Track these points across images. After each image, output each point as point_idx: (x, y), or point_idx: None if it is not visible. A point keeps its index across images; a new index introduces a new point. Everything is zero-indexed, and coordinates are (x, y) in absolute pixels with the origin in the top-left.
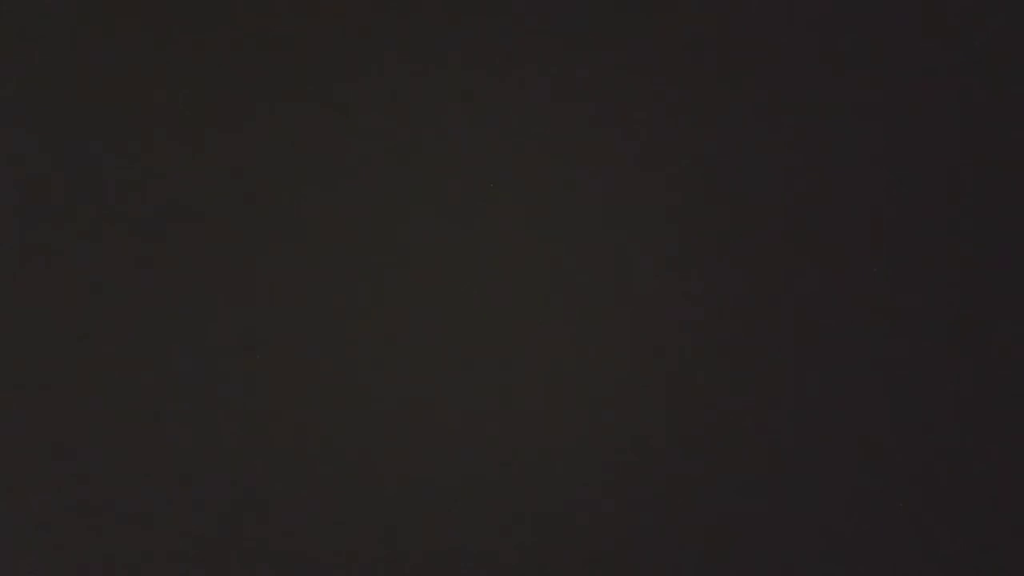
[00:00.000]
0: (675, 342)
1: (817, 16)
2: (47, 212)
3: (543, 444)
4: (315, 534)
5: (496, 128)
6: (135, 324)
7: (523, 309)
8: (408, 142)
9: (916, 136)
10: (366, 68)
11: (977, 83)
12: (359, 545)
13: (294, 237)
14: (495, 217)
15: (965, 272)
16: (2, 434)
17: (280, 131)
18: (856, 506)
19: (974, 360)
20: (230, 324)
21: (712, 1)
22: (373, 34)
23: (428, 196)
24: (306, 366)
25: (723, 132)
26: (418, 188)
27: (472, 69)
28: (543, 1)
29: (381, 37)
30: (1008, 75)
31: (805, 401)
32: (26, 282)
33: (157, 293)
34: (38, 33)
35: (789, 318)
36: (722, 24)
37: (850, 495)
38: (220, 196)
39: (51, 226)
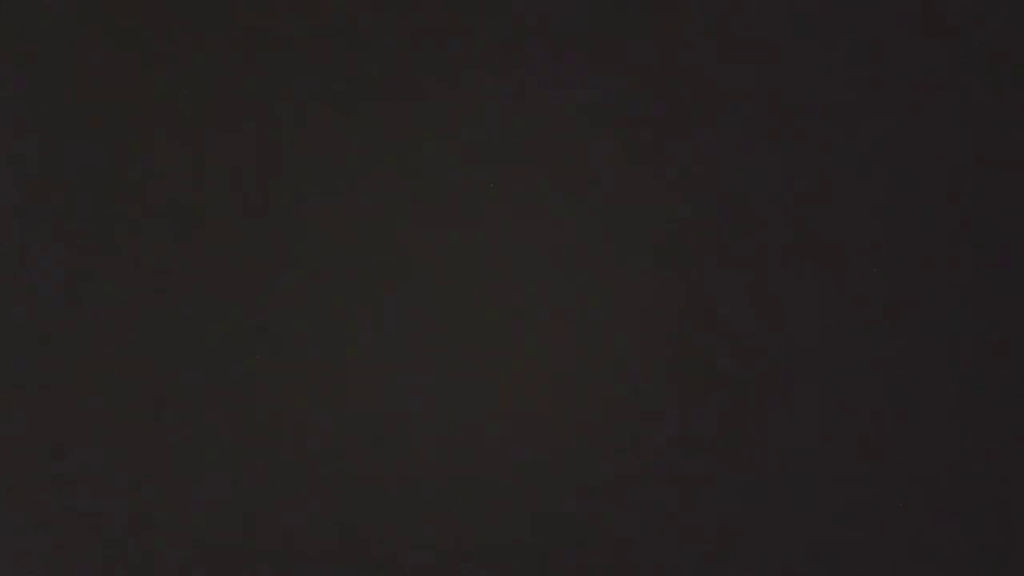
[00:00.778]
0: (675, 342)
1: (817, 16)
2: (47, 212)
3: (543, 444)
4: (315, 534)
5: (496, 128)
6: (135, 324)
7: (523, 309)
8: (408, 142)
9: (916, 136)
10: (366, 68)
11: (977, 83)
12: (359, 545)
13: (294, 237)
14: (495, 217)
15: (965, 272)
16: (2, 434)
17: (280, 131)
18: (856, 506)
19: (974, 360)
20: (230, 324)
21: (712, 1)
22: (373, 34)
23: (428, 196)
24: (306, 366)
25: (723, 132)
26: (418, 188)
27: (472, 69)
28: (543, 1)
29: (381, 37)
30: (1008, 75)
31: (805, 401)
32: (26, 282)
33: (157, 293)
34: (38, 33)
35: (789, 318)
36: (722, 24)
37: (850, 495)
38: (220, 196)
39: (51, 226)
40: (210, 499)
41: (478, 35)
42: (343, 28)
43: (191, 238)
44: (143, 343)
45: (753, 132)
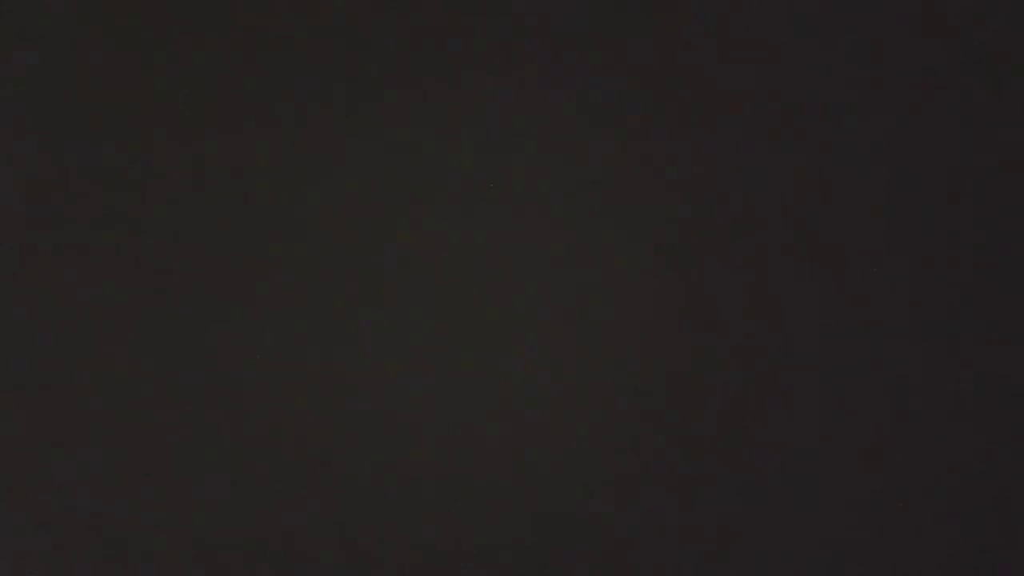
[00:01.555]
0: (676, 342)
1: (817, 16)
2: (47, 212)
3: (543, 444)
4: (315, 534)
5: (496, 128)
6: (135, 324)
7: (523, 309)
8: (408, 142)
9: (916, 136)
10: (366, 68)
11: (977, 83)
12: (359, 545)
13: (294, 237)
14: (495, 217)
15: (965, 272)
16: (2, 434)
17: (280, 131)
18: (856, 506)
19: (974, 360)
20: (230, 324)
21: (712, 1)
22: (373, 34)
23: (428, 196)
24: (306, 366)
25: (723, 132)
26: (418, 188)
27: (472, 69)
28: (543, 1)
29: (381, 37)
30: (1008, 75)
31: (806, 401)
32: (26, 282)
33: (157, 293)
34: (38, 33)
35: (789, 318)
36: (722, 24)
37: (850, 495)
38: (220, 196)
39: (51, 226)
40: (210, 499)
41: (478, 35)
42: (343, 28)
43: (191, 238)
44: (143, 343)
45: (753, 132)
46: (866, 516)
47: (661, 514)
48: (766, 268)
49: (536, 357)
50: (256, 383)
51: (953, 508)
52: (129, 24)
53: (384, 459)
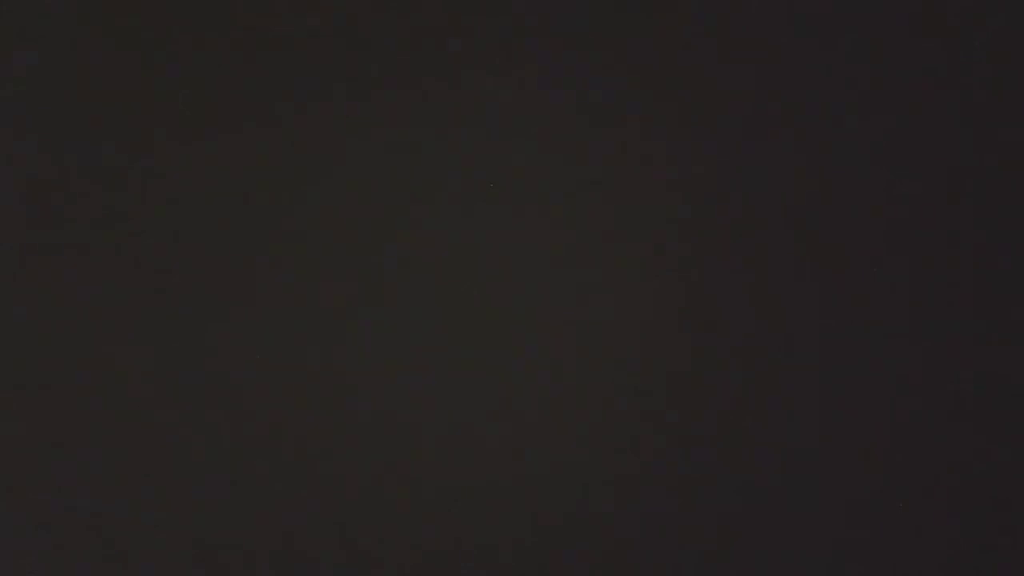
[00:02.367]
0: (676, 342)
1: (817, 16)
2: (47, 212)
3: (543, 444)
4: (315, 534)
5: (496, 128)
6: (135, 324)
7: (523, 309)
8: (408, 142)
9: (916, 136)
10: (366, 68)
11: (977, 83)
12: (359, 545)
13: (294, 237)
14: (495, 217)
15: (965, 272)
16: (2, 434)
17: (280, 131)
18: (856, 506)
19: (974, 360)
20: (230, 324)
21: (712, 1)
22: (373, 34)
23: (428, 196)
24: (306, 366)
25: (723, 132)
26: (418, 188)
27: (472, 69)
28: (543, 1)
29: (381, 37)
30: (1008, 75)
31: (806, 401)
32: (26, 282)
33: (157, 293)
34: (38, 33)
35: (790, 318)
36: (722, 24)
37: (850, 495)
38: (220, 196)
39: (51, 226)
40: (210, 499)
41: (478, 35)
42: (343, 28)
43: (191, 238)
44: (143, 343)
45: (753, 132)
46: (866, 516)
47: (661, 514)
48: (766, 268)
49: (536, 357)
50: (256, 383)
51: (953, 508)
52: (129, 24)
53: (384, 459)
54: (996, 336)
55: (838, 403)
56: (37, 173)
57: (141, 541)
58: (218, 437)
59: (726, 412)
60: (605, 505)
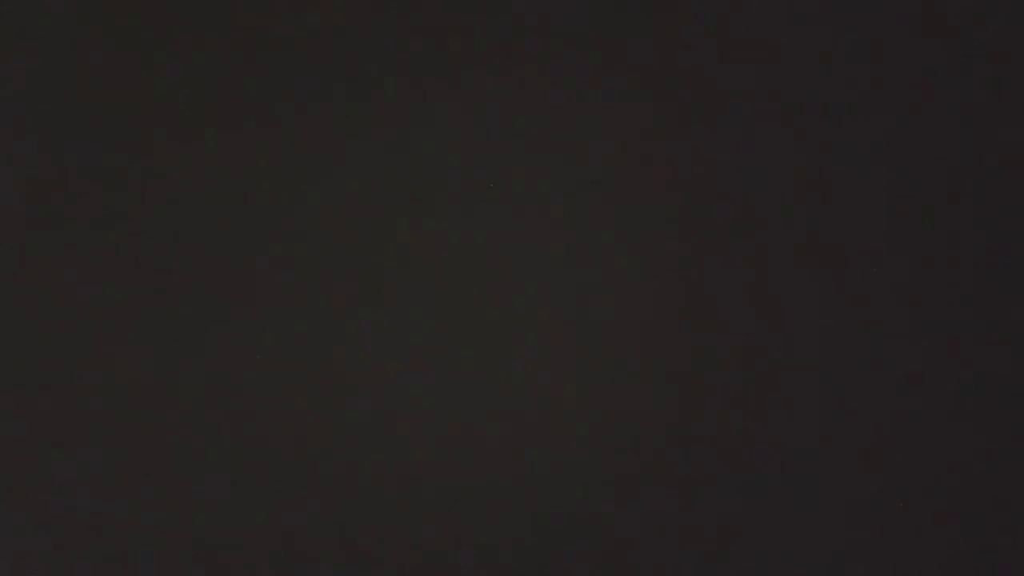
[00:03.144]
0: (676, 342)
1: (817, 16)
2: (47, 212)
3: (543, 444)
4: (315, 534)
5: (496, 128)
6: (135, 324)
7: (523, 309)
8: (408, 142)
9: (916, 136)
10: (366, 68)
11: (977, 83)
12: (359, 545)
13: (294, 237)
14: (495, 217)
15: (965, 272)
16: (2, 434)
17: (280, 131)
18: (856, 506)
19: (974, 360)
20: (230, 324)
21: (712, 1)
22: (373, 34)
23: (428, 196)
24: (306, 366)
25: (723, 132)
26: (418, 188)
27: (472, 69)
28: (543, 1)
29: (381, 37)
30: (1008, 75)
31: (806, 401)
32: (26, 282)
33: (157, 293)
34: (38, 33)
35: (790, 318)
36: (722, 24)
37: (851, 495)
38: (220, 196)
39: (51, 226)
40: (210, 499)
41: (478, 35)
42: (343, 28)
43: (191, 238)
44: (143, 343)
45: (753, 132)
46: (866, 516)
47: (661, 514)
48: (766, 268)
49: (536, 357)
50: (256, 383)
51: (953, 508)
52: (129, 24)
53: (384, 459)
54: (996, 336)
55: (838, 403)
56: (37, 173)
57: (141, 541)
58: (218, 437)
59: (726, 412)
60: (605, 505)
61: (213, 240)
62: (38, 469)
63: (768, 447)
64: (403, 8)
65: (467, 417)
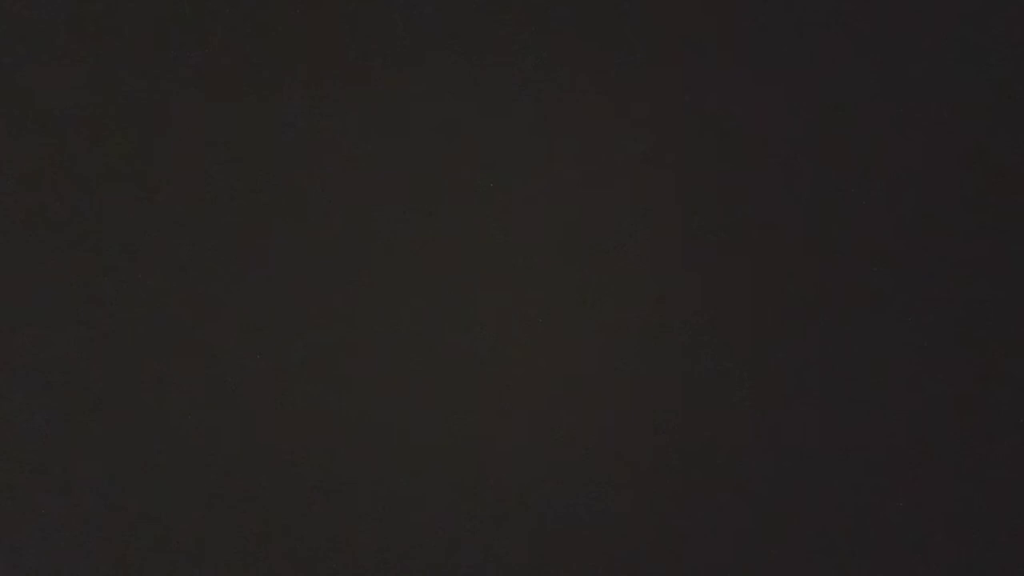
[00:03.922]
0: (676, 342)
1: (817, 16)
2: (47, 212)
3: (543, 444)
4: (315, 534)
5: (496, 128)
6: (135, 324)
7: (523, 308)
8: (408, 141)
9: (917, 136)
10: (366, 68)
11: (977, 83)
12: (359, 545)
13: (294, 237)
14: (495, 217)
15: (966, 272)
16: (2, 434)
17: (280, 131)
18: (856, 506)
19: (974, 360)
20: (230, 324)
21: (712, 1)
22: (373, 34)
23: (428, 196)
24: (306, 366)
25: (723, 132)
26: (418, 188)
27: (472, 69)
28: (543, 1)
29: (381, 37)
30: (1008, 75)
31: (806, 402)
32: (26, 282)
33: (157, 293)
34: (38, 33)
35: (790, 318)
36: (722, 24)
37: (851, 496)
38: (220, 195)
39: (51, 226)
40: (210, 499)
41: (478, 34)
42: (343, 28)
43: (191, 237)
44: (143, 343)
45: (753, 132)
46: (866, 516)
47: (661, 514)
48: (766, 268)
49: (536, 357)
50: (256, 383)
51: (953, 508)
52: (129, 24)
53: (384, 459)
54: (997, 336)
55: (838, 403)
56: (37, 173)
57: (141, 541)
58: (218, 437)
59: (726, 412)
60: (605, 505)
61: (213, 240)
62: (38, 469)
63: (768, 448)
64: (403, 8)
65: (467, 417)
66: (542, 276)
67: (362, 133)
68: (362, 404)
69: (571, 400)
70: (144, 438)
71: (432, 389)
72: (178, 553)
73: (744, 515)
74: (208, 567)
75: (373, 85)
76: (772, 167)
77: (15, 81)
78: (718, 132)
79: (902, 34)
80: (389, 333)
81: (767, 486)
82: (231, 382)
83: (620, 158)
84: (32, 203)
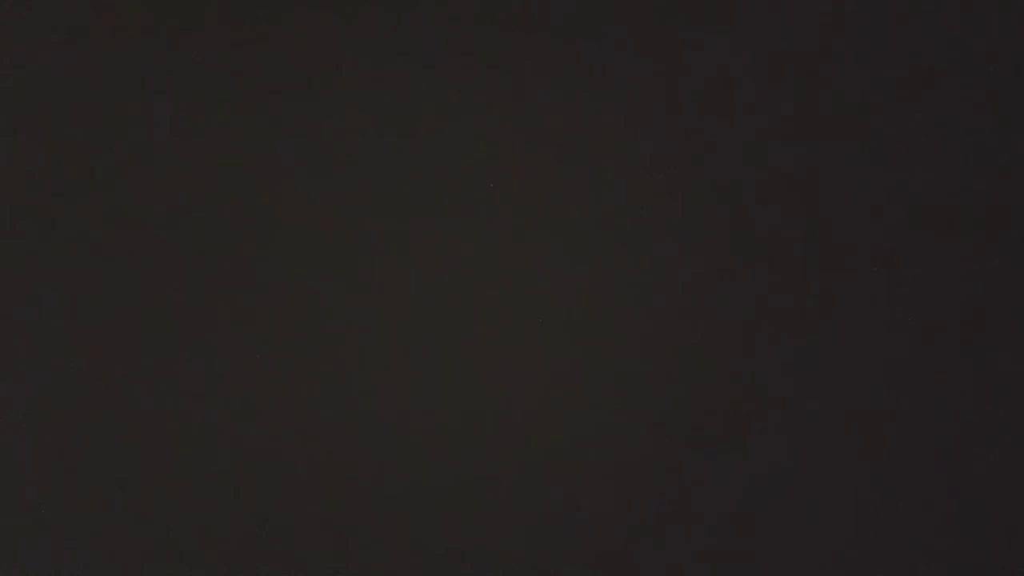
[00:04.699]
0: (676, 341)
1: (818, 16)
2: (47, 212)
3: (543, 444)
4: (315, 534)
5: (496, 128)
6: (135, 324)
7: (523, 308)
8: (407, 141)
9: (917, 136)
10: (365, 68)
11: (977, 83)
12: (359, 545)
13: (293, 237)
14: (495, 217)
15: (966, 273)
16: (2, 434)
17: (279, 131)
18: (856, 506)
19: (974, 360)
20: (230, 324)
21: (712, 1)
22: (372, 34)
23: (428, 196)
24: (306, 365)
25: (723, 132)
26: (417, 188)
27: (471, 68)
28: (543, 1)
29: (381, 37)
30: (1008, 75)
31: (806, 403)
32: (26, 282)
33: (157, 293)
34: (38, 33)
35: (790, 318)
36: (723, 24)
37: (851, 496)
38: (220, 195)
39: (51, 226)
40: (210, 499)
41: (476, 34)
42: (343, 28)
43: (191, 238)
44: (143, 343)
45: (753, 132)
46: (866, 516)
47: (661, 515)
48: (766, 268)
49: (536, 357)
50: (256, 383)
51: (953, 508)
52: (129, 24)
53: (384, 459)
54: (996, 336)
55: (838, 403)
56: (37, 173)
57: (141, 541)
58: (218, 437)
59: (726, 412)
60: (605, 505)
61: (213, 239)
62: (38, 469)
63: (768, 449)
64: (403, 7)
65: (467, 417)
66: (542, 276)
67: (362, 133)
68: (362, 404)
69: (571, 400)
70: (144, 438)
71: (432, 389)
72: (178, 553)
73: (744, 515)
74: (208, 567)
75: (373, 85)
76: (772, 167)
77: (15, 81)
78: (718, 132)
79: (902, 34)
80: (389, 333)
81: (767, 486)
82: (231, 382)
83: (620, 158)
84: (32, 203)
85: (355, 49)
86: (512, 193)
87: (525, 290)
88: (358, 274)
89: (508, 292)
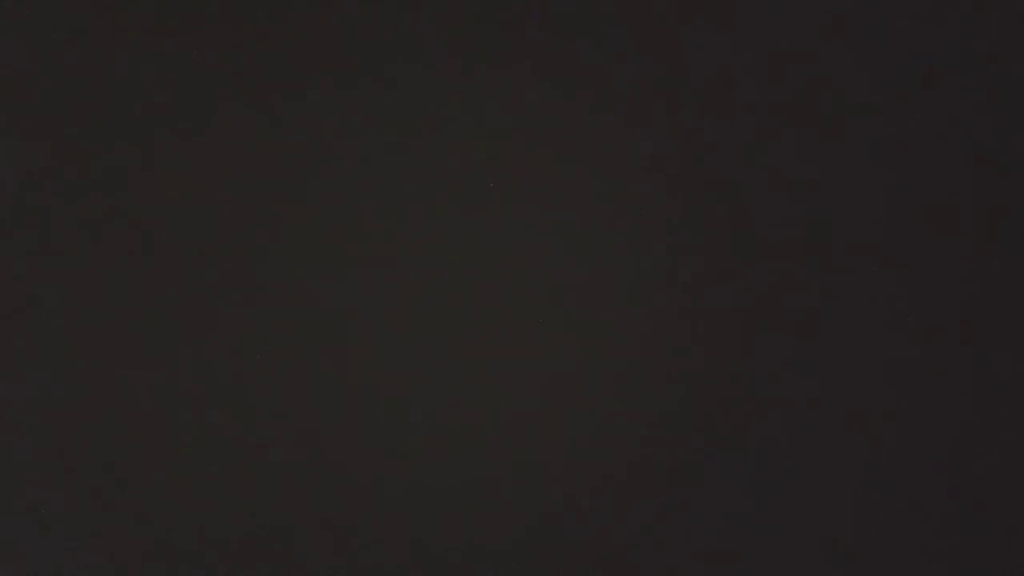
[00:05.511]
0: (676, 342)
1: (818, 16)
2: (47, 212)
3: (544, 444)
4: (315, 534)
5: (496, 128)
6: (135, 324)
7: (523, 308)
8: (407, 141)
9: (917, 136)
10: (365, 68)
11: (977, 83)
12: (359, 545)
13: (293, 237)
14: (495, 216)
15: (966, 273)
16: (2, 434)
17: (280, 131)
18: (856, 506)
19: (974, 360)
20: (230, 324)
21: (713, 1)
22: (373, 34)
23: (427, 195)
24: (306, 365)
25: (723, 131)
26: (417, 187)
27: (471, 69)
28: (543, 1)
29: (381, 37)
30: (1008, 75)
31: (806, 403)
32: (26, 282)
33: (157, 293)
34: (38, 33)
35: (790, 318)
36: (723, 24)
37: (851, 496)
38: (220, 196)
39: (51, 226)
40: (209, 499)
41: (476, 34)
42: (342, 28)
43: (191, 238)
44: (143, 343)
45: (753, 132)
46: (866, 516)
47: (661, 514)
48: (766, 268)
49: (536, 357)
50: (256, 383)
51: (953, 508)
52: (129, 24)
53: (384, 459)
54: (996, 336)
55: (838, 403)
56: (37, 173)
57: (141, 541)
58: (217, 437)
59: (726, 412)
60: (605, 505)
61: (213, 239)
62: (38, 469)
63: (768, 449)
64: (403, 7)
65: (468, 417)
66: (542, 276)
67: (362, 133)
68: (362, 404)
69: (571, 400)
70: (144, 438)
71: (432, 389)
72: (178, 553)
73: (744, 515)
74: (208, 567)
75: (373, 85)
76: (772, 167)
77: (15, 81)
78: (718, 132)
79: (902, 34)
80: (389, 333)
81: (767, 486)
82: (231, 382)
83: (620, 158)
84: (32, 203)
85: (355, 49)
86: (512, 193)
87: (525, 290)
88: (358, 274)
89: (508, 292)
